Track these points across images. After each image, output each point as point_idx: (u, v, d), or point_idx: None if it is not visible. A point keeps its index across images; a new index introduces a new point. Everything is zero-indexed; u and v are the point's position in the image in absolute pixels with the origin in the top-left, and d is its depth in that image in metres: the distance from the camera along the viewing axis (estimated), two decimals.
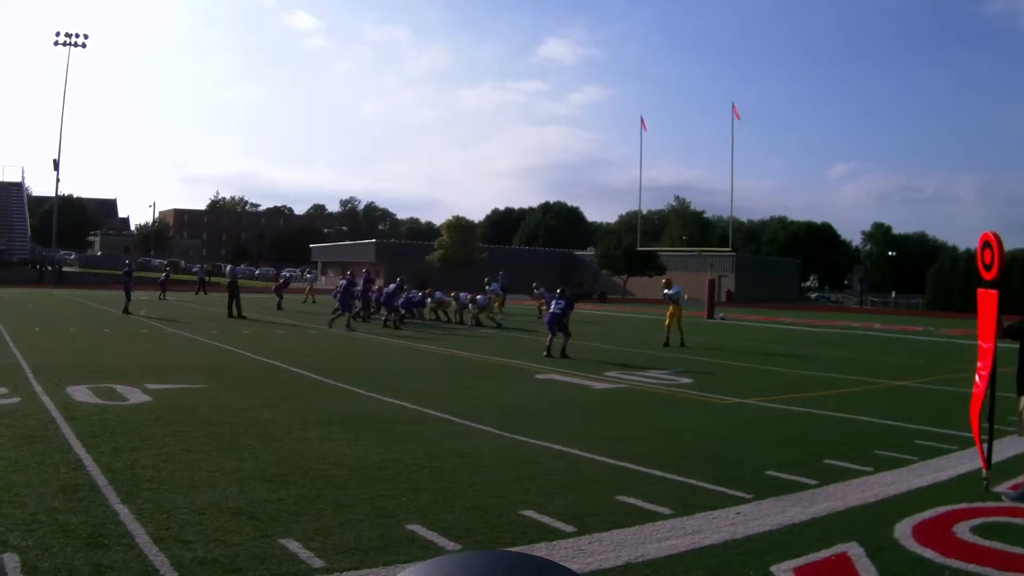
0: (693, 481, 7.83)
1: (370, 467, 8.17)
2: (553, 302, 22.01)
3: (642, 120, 54.26)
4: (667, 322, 25.56)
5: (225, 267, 42.88)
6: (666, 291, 26.61)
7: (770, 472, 8.32)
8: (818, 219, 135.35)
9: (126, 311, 32.00)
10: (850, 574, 5.56)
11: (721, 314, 46.39)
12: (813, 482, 7.97)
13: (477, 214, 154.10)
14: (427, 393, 13.48)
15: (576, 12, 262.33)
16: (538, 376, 16.39)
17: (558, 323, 20.85)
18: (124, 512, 6.28)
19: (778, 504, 7.13)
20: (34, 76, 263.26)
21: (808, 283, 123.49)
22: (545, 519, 6.48)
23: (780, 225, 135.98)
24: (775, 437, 10.66)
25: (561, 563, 4.70)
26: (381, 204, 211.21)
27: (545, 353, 20.31)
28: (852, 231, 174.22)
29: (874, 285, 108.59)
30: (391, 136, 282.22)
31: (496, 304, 33.66)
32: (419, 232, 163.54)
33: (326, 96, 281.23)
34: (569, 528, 6.25)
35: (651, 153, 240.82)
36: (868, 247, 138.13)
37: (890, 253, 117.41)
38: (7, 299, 40.32)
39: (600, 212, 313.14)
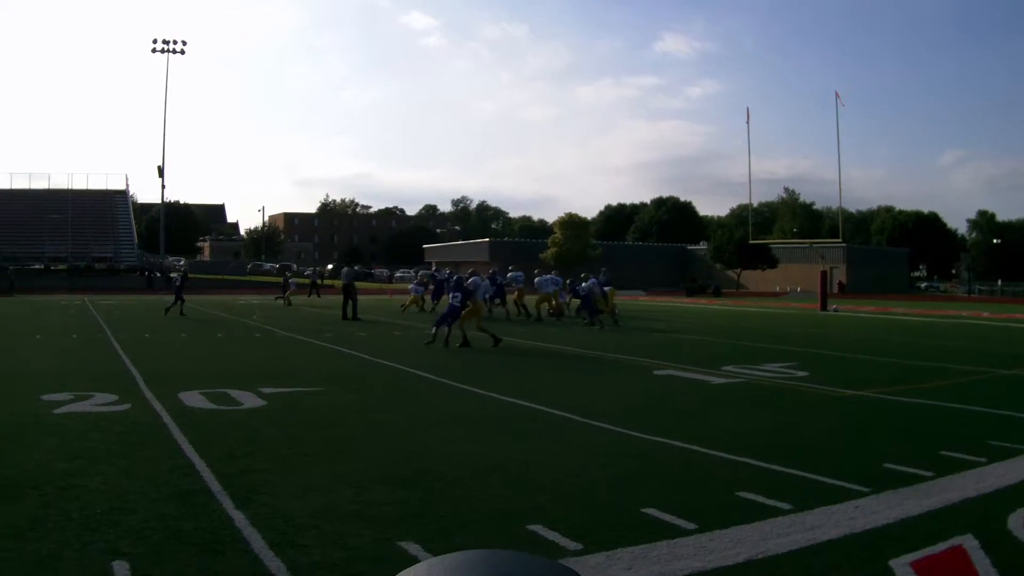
0: (811, 475, 7.92)
1: (489, 467, 8.25)
2: (451, 295, 22.27)
3: (747, 112, 54.54)
4: None
5: (340, 269, 43.72)
6: None
7: (887, 464, 8.35)
8: (926, 208, 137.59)
9: (167, 311, 33.88)
10: (966, 567, 5.61)
11: (834, 306, 46.82)
12: (929, 474, 8.00)
13: (591, 211, 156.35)
14: (544, 391, 13.64)
15: (693, 6, 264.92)
16: (656, 372, 16.51)
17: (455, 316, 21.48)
18: (239, 517, 6.41)
19: (895, 497, 7.18)
20: (135, 84, 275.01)
21: (917, 272, 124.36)
22: (666, 517, 6.50)
23: (888, 215, 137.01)
24: (891, 429, 10.78)
25: (682, 561, 4.66)
26: (495, 203, 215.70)
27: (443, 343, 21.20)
28: (958, 219, 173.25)
29: (980, 273, 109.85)
30: (506, 134, 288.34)
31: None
32: (532, 230, 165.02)
33: (441, 95, 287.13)
34: (690, 525, 6.29)
35: (765, 145, 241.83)
36: (974, 235, 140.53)
37: (995, 241, 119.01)
38: (116, 306, 42.09)
39: (712, 206, 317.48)
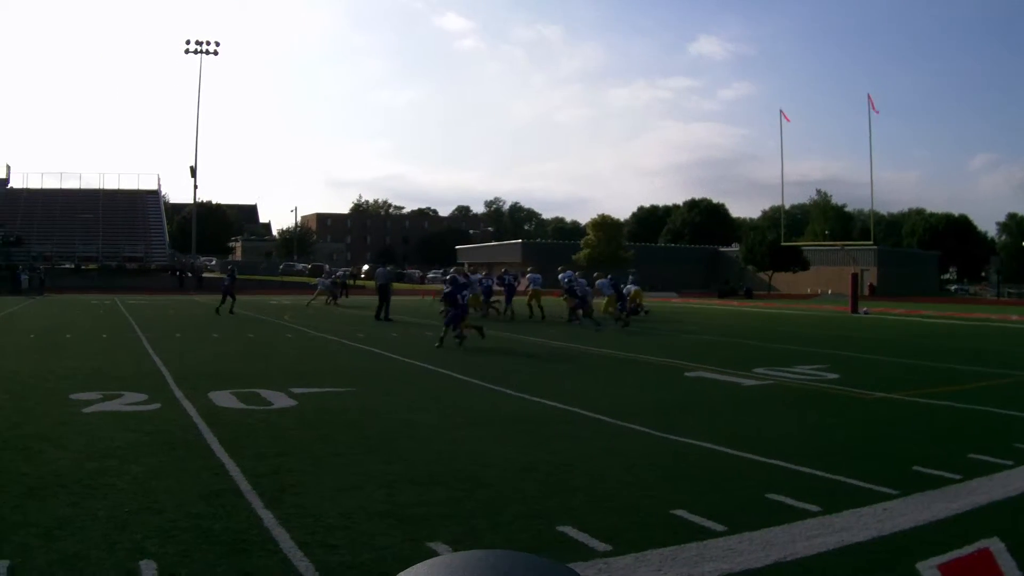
0: (841, 477, 7.97)
1: (520, 468, 8.28)
2: (458, 295, 22.61)
3: (782, 113, 54.88)
4: None
5: (375, 270, 43.78)
6: None
7: (915, 467, 8.41)
8: (956, 210, 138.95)
9: (217, 311, 34.73)
10: (992, 570, 5.66)
11: (864, 308, 47.02)
12: (957, 476, 8.04)
13: (624, 212, 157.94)
14: (575, 392, 13.73)
15: (727, 8, 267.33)
16: (688, 374, 16.56)
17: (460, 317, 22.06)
18: (268, 517, 6.42)
19: (923, 499, 7.24)
20: (168, 85, 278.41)
21: (947, 275, 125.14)
22: (696, 518, 6.54)
23: (919, 217, 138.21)
24: (920, 431, 10.93)
25: (711, 562, 4.64)
26: (528, 204, 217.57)
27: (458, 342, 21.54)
28: (988, 222, 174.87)
29: (1009, 276, 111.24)
30: (540, 136, 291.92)
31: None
32: (565, 231, 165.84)
33: (476, 97, 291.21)
34: (720, 527, 6.33)
35: (799, 147, 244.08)
36: (1003, 238, 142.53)
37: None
38: (147, 306, 42.48)
39: (744, 207, 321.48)
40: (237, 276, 39.03)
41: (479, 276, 37.89)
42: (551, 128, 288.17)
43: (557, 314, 34.76)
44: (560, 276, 34.10)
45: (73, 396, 12.28)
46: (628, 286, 36.19)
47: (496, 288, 37.06)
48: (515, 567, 1.42)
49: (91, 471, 7.77)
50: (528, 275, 37.32)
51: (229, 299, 35.71)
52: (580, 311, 31.30)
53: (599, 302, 32.63)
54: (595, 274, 36.04)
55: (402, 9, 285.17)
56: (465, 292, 23.49)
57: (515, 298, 37.12)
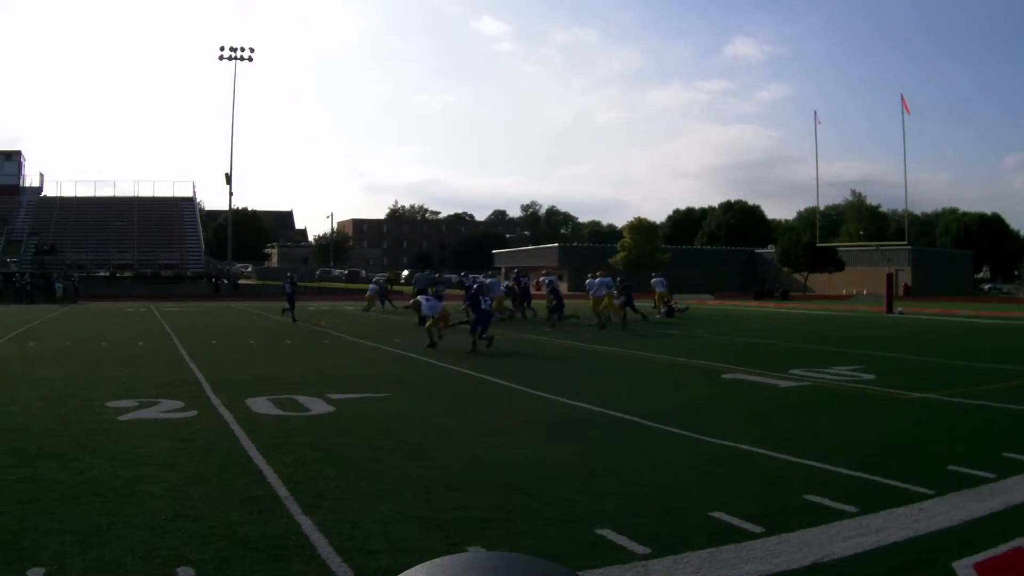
0: (877, 478, 8.04)
1: (557, 471, 8.35)
2: (481, 299, 23.22)
3: (815, 115, 54.90)
4: None
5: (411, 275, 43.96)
6: None
7: (951, 466, 8.49)
8: (989, 209, 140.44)
9: (293, 319, 35.15)
10: None
11: (899, 308, 47.09)
12: (992, 475, 8.10)
13: (660, 215, 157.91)
14: (612, 395, 13.83)
15: (763, 10, 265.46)
16: (724, 376, 16.64)
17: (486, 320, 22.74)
18: (306, 523, 6.47)
19: (959, 499, 7.30)
20: (203, 92, 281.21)
21: (980, 274, 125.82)
22: (734, 520, 6.61)
23: (952, 217, 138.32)
24: (956, 431, 11.03)
25: (749, 564, 4.64)
26: (564, 208, 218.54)
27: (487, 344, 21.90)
28: (1022, 221, 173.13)
29: None
30: (577, 139, 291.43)
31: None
32: (601, 235, 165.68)
33: (513, 101, 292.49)
34: (758, 529, 6.41)
35: (834, 148, 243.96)
36: None
37: None
38: (183, 313, 42.83)
39: (779, 209, 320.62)
40: (298, 283, 39.54)
41: (497, 279, 38.14)
42: (587, 131, 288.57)
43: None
44: (543, 279, 35.99)
45: (109, 404, 12.41)
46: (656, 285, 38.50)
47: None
48: (513, 569, 1.45)
49: (127, 479, 7.85)
50: (543, 277, 37.76)
51: (291, 306, 36.59)
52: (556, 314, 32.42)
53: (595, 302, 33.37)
54: (589, 274, 36.44)
55: (438, 13, 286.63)
56: (487, 297, 24.02)
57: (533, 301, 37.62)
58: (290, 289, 37.25)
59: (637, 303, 34.37)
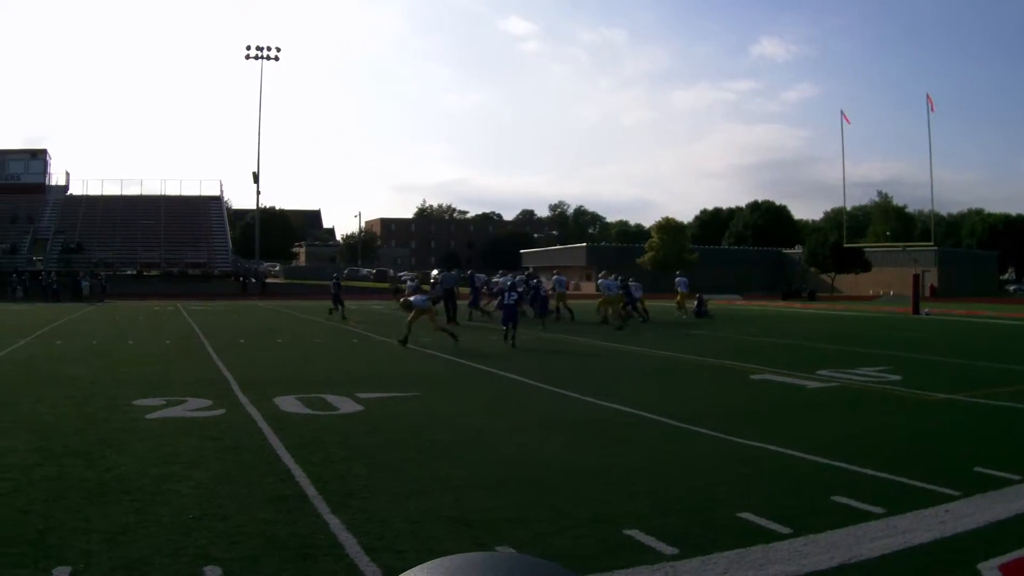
0: (904, 479, 8.11)
1: (587, 472, 8.39)
2: (505, 294, 24.85)
3: (843, 114, 54.80)
4: None
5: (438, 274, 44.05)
6: None
7: (977, 468, 8.53)
8: (1015, 210, 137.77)
9: (344, 316, 36.21)
10: None
11: (926, 309, 47.35)
12: (1017, 477, 8.15)
13: (687, 215, 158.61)
14: (641, 395, 13.92)
15: (790, 10, 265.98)
16: (752, 376, 16.70)
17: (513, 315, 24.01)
18: (335, 522, 6.50)
19: (985, 500, 7.36)
20: (230, 91, 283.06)
21: (1006, 275, 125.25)
22: (763, 521, 6.67)
23: (978, 217, 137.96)
24: (982, 432, 11.08)
25: (776, 565, 4.62)
26: (592, 207, 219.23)
27: (511, 344, 22.97)
28: None
29: None
30: (604, 139, 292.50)
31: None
32: (628, 235, 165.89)
33: (540, 100, 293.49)
34: (785, 530, 6.47)
35: (860, 148, 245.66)
36: None
37: None
38: (210, 312, 43.04)
39: (806, 209, 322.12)
40: (342, 282, 40.32)
41: (507, 278, 38.36)
42: (614, 131, 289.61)
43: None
44: (555, 278, 37.22)
45: (136, 402, 12.49)
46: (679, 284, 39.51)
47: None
48: (513, 569, 1.44)
49: (155, 477, 7.90)
50: (554, 277, 38.14)
51: (339, 305, 37.36)
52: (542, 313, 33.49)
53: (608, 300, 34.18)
54: (601, 273, 37.16)
55: (465, 13, 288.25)
56: (513, 294, 24.88)
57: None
58: (335, 289, 38.10)
59: (653, 303, 34.73)
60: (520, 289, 34.25)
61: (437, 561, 1.46)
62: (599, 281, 35.04)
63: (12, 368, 17.49)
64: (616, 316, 33.02)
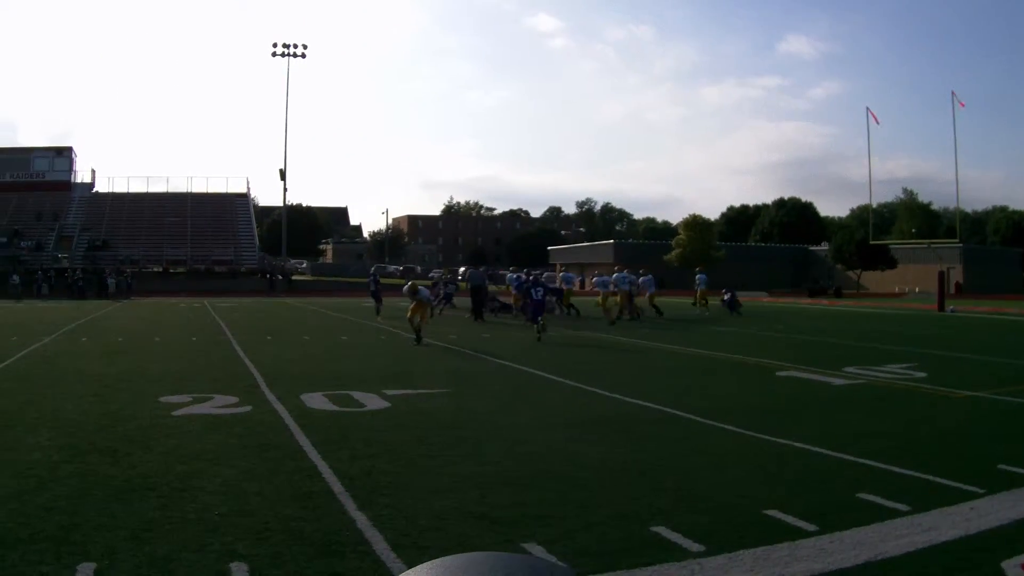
0: (929, 476, 8.13)
1: (613, 468, 8.42)
2: (533, 290, 25.64)
3: (869, 111, 55.04)
4: None
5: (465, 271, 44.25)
6: None
7: (1001, 465, 8.55)
8: None
9: (377, 312, 36.44)
10: None
11: (951, 306, 47.56)
12: None
13: (714, 212, 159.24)
14: (668, 392, 13.95)
15: (817, 7, 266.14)
16: (779, 373, 16.79)
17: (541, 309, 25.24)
18: (361, 519, 6.53)
19: (1009, 498, 7.38)
20: (256, 88, 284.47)
21: None
22: (788, 518, 6.70)
23: (1003, 215, 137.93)
24: (1007, 430, 11.06)
25: (802, 562, 4.61)
26: (619, 204, 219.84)
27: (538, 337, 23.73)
28: None
29: None
30: (632, 135, 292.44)
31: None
32: (656, 231, 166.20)
33: (567, 97, 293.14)
34: (811, 527, 6.50)
35: (886, 145, 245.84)
36: None
37: None
38: (237, 309, 43.39)
39: (832, 206, 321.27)
40: (380, 280, 40.80)
41: (515, 275, 38.64)
42: (642, 127, 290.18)
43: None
44: (510, 276, 38.62)
45: (162, 399, 12.56)
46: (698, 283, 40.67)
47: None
48: (514, 569, 1.46)
49: (180, 473, 7.95)
50: (562, 274, 38.35)
51: (379, 303, 37.55)
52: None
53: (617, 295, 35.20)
54: (616, 267, 38.11)
55: (492, 9, 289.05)
56: (538, 288, 25.49)
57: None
58: (374, 287, 38.28)
59: (674, 300, 35.10)
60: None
61: (437, 561, 1.51)
62: (614, 275, 35.84)
63: (38, 365, 17.62)
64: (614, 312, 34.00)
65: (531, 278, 31.17)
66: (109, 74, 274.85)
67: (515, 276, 37.95)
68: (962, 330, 31.40)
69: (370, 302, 38.68)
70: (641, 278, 37.76)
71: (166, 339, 24.56)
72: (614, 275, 36.11)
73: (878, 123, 54.09)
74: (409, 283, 24.35)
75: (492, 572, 1.42)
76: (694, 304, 41.34)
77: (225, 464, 8.36)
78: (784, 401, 13.54)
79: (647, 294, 37.48)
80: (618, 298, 35.11)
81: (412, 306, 22.86)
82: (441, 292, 38.47)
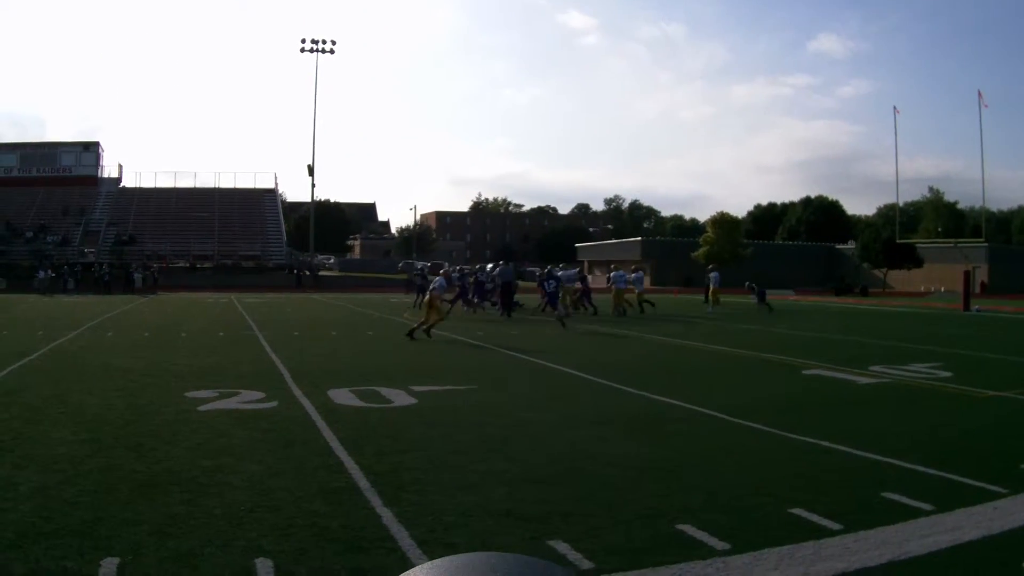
0: (953, 476, 8.16)
1: (640, 466, 8.45)
2: (545, 283, 27.40)
3: (895, 111, 55.26)
4: None
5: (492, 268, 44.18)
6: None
7: None
8: None
9: (416, 305, 36.50)
10: None
11: (976, 306, 47.66)
12: None
13: (742, 210, 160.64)
14: (693, 390, 13.93)
15: (848, 5, 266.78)
16: (805, 372, 16.84)
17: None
18: (387, 515, 6.56)
19: None
20: (285, 84, 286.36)
21: None
22: (814, 517, 6.75)
23: None
24: None
25: (826, 561, 4.88)
26: (648, 202, 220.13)
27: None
28: None
29: None
30: (661, 133, 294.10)
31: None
32: (683, 229, 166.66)
33: (598, 94, 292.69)
34: (836, 526, 6.54)
35: (915, 144, 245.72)
36: None
37: None
38: (264, 304, 43.50)
39: (858, 205, 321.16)
40: (428, 276, 41.05)
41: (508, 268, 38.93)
42: (672, 125, 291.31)
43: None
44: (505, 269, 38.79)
45: (188, 394, 12.65)
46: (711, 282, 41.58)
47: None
48: (513, 569, 1.46)
49: (206, 469, 8.00)
50: (559, 272, 38.64)
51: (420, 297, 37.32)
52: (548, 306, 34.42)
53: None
54: (632, 266, 39.19)
55: (524, 6, 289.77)
56: (552, 281, 27.25)
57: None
58: (421, 282, 38.34)
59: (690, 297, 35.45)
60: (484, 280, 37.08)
61: (437, 561, 1.49)
62: (618, 274, 36.53)
63: (63, 359, 17.74)
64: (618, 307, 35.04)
65: (547, 270, 32.72)
66: (137, 70, 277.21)
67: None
68: (987, 330, 31.45)
69: (397, 298, 38.83)
70: (633, 275, 38.33)
71: (192, 334, 24.72)
72: (611, 273, 36.96)
73: (899, 112, 54.30)
74: (443, 271, 24.94)
75: (492, 572, 1.43)
76: (706, 301, 41.89)
77: (251, 460, 8.41)
78: (809, 399, 13.61)
79: (636, 291, 37.99)
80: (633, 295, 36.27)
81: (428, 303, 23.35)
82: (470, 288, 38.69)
